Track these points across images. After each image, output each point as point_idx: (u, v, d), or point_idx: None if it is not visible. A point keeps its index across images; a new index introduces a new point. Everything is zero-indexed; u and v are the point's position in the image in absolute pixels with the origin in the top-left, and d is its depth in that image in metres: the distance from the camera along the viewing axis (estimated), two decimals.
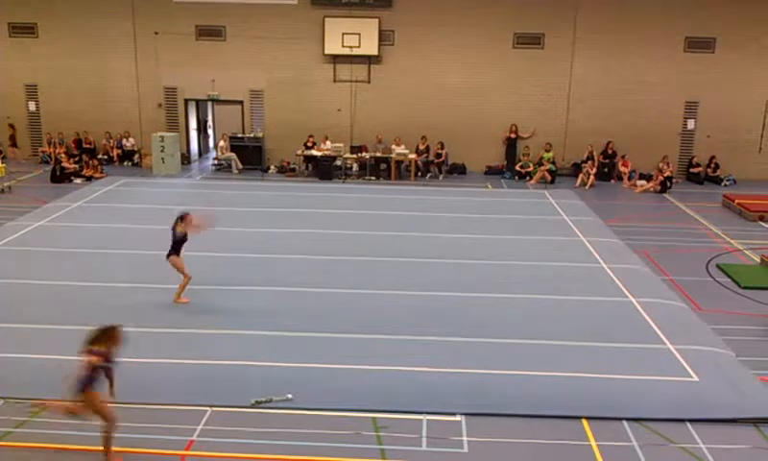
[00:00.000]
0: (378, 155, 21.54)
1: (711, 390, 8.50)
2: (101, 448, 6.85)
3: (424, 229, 15.50)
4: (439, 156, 21.88)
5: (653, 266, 13.33)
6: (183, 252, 10.75)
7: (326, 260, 13.14)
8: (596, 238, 14.93)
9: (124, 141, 22.99)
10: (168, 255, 10.69)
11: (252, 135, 22.67)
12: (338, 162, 21.51)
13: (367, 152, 21.60)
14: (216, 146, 23.91)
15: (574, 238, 14.99)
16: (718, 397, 8.34)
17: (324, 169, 21.13)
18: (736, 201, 18.14)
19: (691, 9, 21.36)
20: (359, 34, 21.60)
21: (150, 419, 7.67)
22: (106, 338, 6.69)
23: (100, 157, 22.46)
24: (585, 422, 7.81)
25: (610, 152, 21.87)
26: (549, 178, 21.32)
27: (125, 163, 22.81)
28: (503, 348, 9.55)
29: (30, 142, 23.47)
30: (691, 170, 22.13)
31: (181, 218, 10.68)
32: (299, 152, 21.91)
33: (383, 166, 21.70)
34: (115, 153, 22.93)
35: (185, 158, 23.03)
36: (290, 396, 8.09)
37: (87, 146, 22.77)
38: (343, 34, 21.62)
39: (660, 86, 21.82)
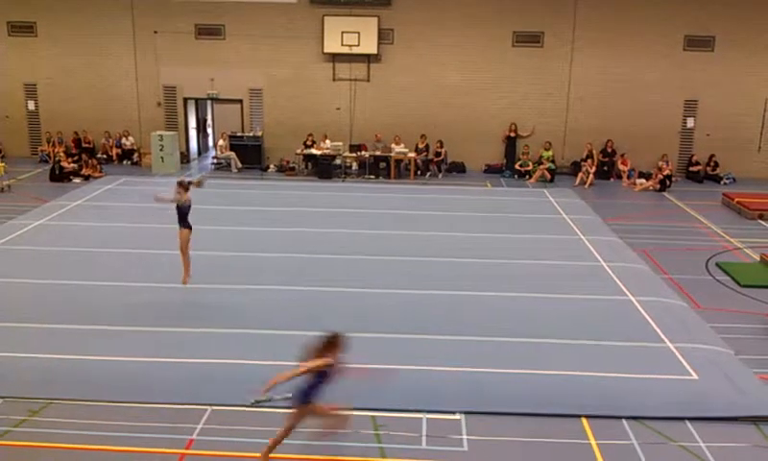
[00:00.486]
0: (378, 153, 21.53)
1: (711, 388, 8.51)
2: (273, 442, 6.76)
3: (424, 227, 15.50)
4: (438, 154, 21.87)
5: (652, 264, 13.33)
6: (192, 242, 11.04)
7: (326, 259, 13.13)
8: (596, 237, 14.93)
9: (123, 140, 22.97)
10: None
11: (251, 134, 22.65)
12: (337, 161, 21.50)
13: (366, 150, 21.58)
14: (215, 145, 23.90)
15: (573, 237, 14.99)
16: (718, 395, 8.34)
17: (323, 168, 21.12)
18: (736, 199, 18.15)
19: (691, 7, 21.35)
20: (358, 32, 21.58)
21: (150, 418, 7.67)
22: (331, 345, 6.49)
23: (99, 156, 22.45)
24: (584, 420, 7.81)
25: (609, 150, 21.87)
26: (549, 176, 21.33)
27: (124, 162, 22.79)
28: (502, 346, 9.55)
29: (29, 141, 23.45)
30: (691, 168, 22.13)
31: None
32: (298, 151, 21.89)
33: (382, 165, 21.68)
34: (114, 152, 22.90)
35: (185, 157, 23.00)
36: (290, 395, 8.07)
37: (86, 145, 22.75)
38: (342, 32, 21.60)
39: (660, 85, 21.81)
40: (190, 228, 11.13)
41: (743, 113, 21.93)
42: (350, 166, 22.00)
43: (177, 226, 11.21)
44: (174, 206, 11.09)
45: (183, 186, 10.98)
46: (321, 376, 6.46)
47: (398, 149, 21.40)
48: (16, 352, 9.02)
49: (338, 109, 22.51)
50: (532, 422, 7.77)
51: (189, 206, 11.05)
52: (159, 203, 11.43)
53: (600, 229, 15.72)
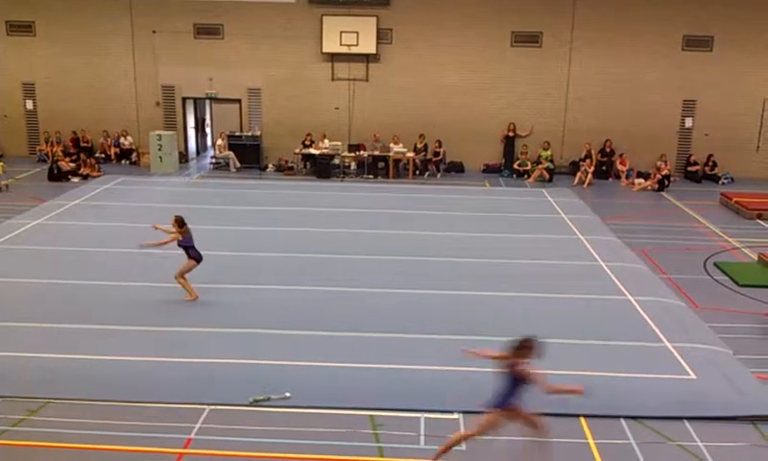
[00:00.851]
0: (376, 153, 21.52)
1: (709, 388, 8.51)
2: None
3: (422, 227, 15.50)
4: (437, 154, 21.87)
5: (651, 264, 13.33)
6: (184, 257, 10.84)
7: (324, 259, 13.13)
8: (594, 236, 14.93)
9: (121, 140, 22.95)
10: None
11: (249, 134, 22.64)
12: (336, 161, 21.50)
13: (365, 150, 21.58)
14: (214, 144, 23.90)
15: (572, 236, 15.00)
16: (716, 395, 8.35)
17: (321, 168, 21.11)
18: (734, 199, 18.15)
19: (689, 7, 21.35)
20: (357, 32, 21.57)
21: (148, 417, 7.66)
22: (526, 349, 6.36)
23: (97, 155, 22.42)
24: (583, 420, 7.82)
25: (608, 150, 21.87)
26: (547, 176, 21.33)
27: (122, 162, 22.76)
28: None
29: (27, 141, 23.42)
30: (689, 168, 22.13)
31: None
32: (297, 150, 21.89)
33: (381, 165, 21.68)
34: (113, 151, 22.87)
35: (183, 157, 22.98)
36: (288, 394, 8.09)
37: (85, 145, 22.73)
38: (341, 32, 21.59)
39: (658, 85, 21.81)
40: (197, 259, 10.71)
41: (742, 113, 21.94)
42: (349, 166, 21.98)
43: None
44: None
45: (178, 222, 10.56)
46: (516, 382, 6.34)
47: (397, 149, 21.40)
48: (14, 352, 9.02)
49: (336, 108, 22.50)
50: None
51: (191, 238, 10.70)
52: (156, 247, 11.05)
53: (598, 228, 15.73)
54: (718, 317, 10.83)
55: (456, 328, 10.02)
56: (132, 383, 8.34)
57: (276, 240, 14.29)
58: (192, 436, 7.34)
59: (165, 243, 10.68)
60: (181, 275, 10.75)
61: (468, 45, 21.93)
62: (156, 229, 10.97)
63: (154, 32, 22.16)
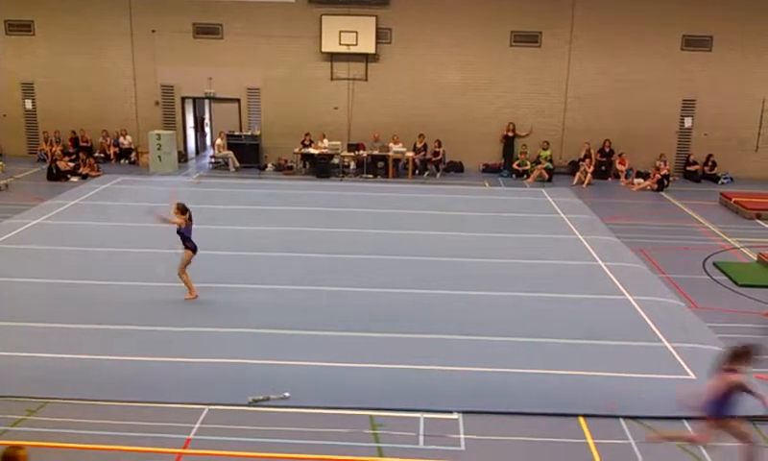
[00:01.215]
0: (376, 153, 21.52)
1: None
2: None
3: (421, 227, 15.50)
4: (436, 154, 21.87)
5: (650, 264, 13.34)
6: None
7: (323, 258, 13.13)
8: (593, 236, 14.94)
9: (121, 139, 22.93)
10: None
11: (249, 133, 22.64)
12: (335, 160, 21.50)
13: (364, 150, 21.58)
14: (213, 144, 23.89)
15: (571, 236, 15.00)
16: None
17: (321, 167, 21.11)
18: (733, 199, 18.17)
19: (689, 7, 21.36)
20: (356, 32, 21.56)
21: (147, 417, 7.66)
22: (745, 357, 6.29)
23: (96, 155, 22.41)
24: (582, 419, 7.81)
25: (607, 150, 21.88)
26: (546, 176, 21.34)
27: (121, 161, 22.76)
28: (500, 346, 9.56)
29: (26, 140, 23.40)
30: (688, 168, 22.15)
31: None
32: (296, 150, 21.88)
33: (380, 164, 21.68)
34: (112, 151, 22.87)
35: (182, 156, 22.97)
36: (287, 394, 8.09)
37: (84, 144, 22.73)
38: (340, 32, 21.58)
39: (658, 84, 21.82)
40: (194, 250, 10.75)
41: (741, 113, 21.95)
42: (348, 165, 21.99)
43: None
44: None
45: (180, 209, 10.64)
46: (732, 390, 6.33)
47: (396, 148, 21.41)
48: (13, 352, 9.02)
49: (336, 108, 22.50)
50: (529, 421, 7.77)
51: (189, 229, 10.74)
52: (161, 222, 11.13)
53: (598, 228, 15.73)
54: (717, 317, 10.84)
55: (455, 328, 10.03)
56: (131, 383, 8.34)
57: (276, 240, 14.29)
58: (191, 436, 7.34)
59: (170, 223, 10.70)
60: (183, 269, 10.75)
61: (467, 45, 21.93)
62: (160, 217, 10.97)
63: (153, 31, 22.15)
